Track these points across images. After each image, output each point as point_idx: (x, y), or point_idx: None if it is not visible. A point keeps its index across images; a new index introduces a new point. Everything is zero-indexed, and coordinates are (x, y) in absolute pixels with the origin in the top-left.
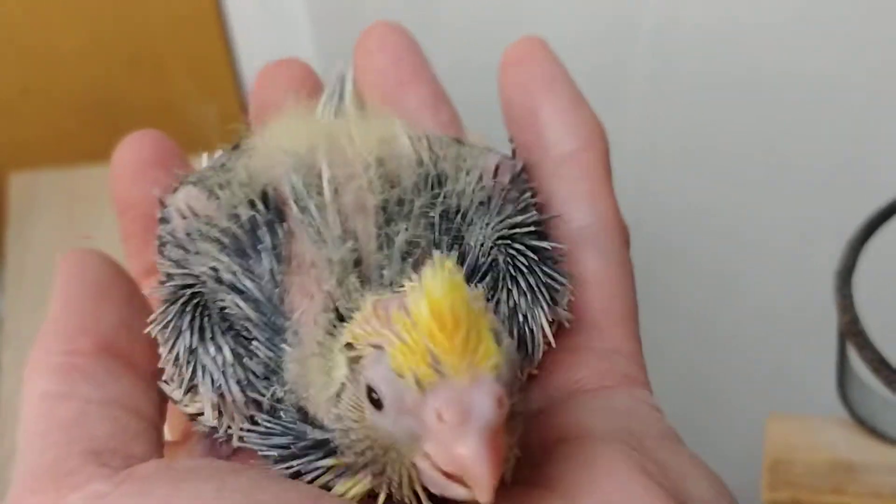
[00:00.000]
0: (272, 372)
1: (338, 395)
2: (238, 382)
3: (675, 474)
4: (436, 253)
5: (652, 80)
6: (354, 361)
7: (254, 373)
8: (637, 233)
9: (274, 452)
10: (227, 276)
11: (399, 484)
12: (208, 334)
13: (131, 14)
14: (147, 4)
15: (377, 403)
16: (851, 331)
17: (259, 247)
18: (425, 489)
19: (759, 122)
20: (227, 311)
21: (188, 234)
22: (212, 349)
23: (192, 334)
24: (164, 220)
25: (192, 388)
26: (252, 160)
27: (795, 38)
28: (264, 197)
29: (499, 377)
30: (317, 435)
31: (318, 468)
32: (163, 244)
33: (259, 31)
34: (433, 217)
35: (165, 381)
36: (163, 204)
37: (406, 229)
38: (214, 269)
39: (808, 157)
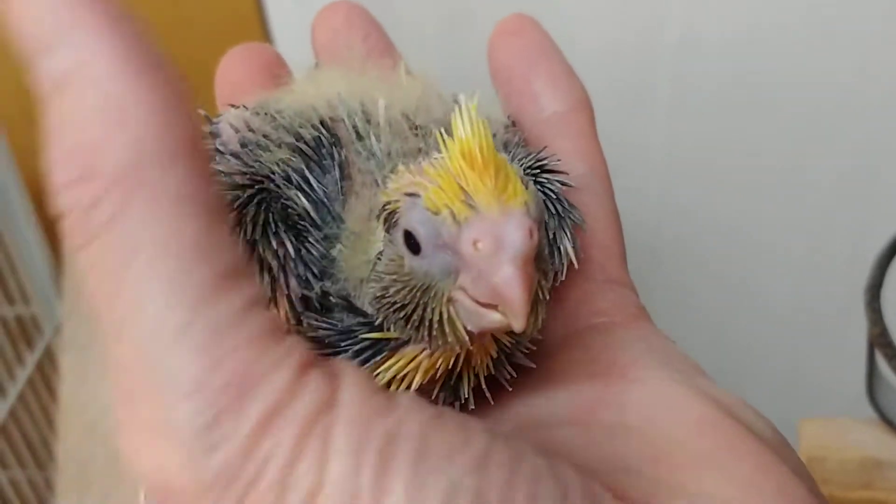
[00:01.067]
0: (323, 271)
1: (377, 259)
2: (297, 277)
3: (721, 394)
4: (461, 96)
5: (675, 92)
6: (390, 219)
7: (310, 269)
8: (660, 240)
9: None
10: (294, 176)
11: (438, 324)
12: (271, 228)
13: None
14: (193, 17)
15: (414, 247)
16: (881, 342)
17: (324, 162)
18: (463, 326)
19: (779, 133)
20: (289, 209)
21: (244, 145)
22: (273, 242)
23: (254, 228)
24: (213, 134)
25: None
26: (296, 99)
27: (816, 50)
28: (323, 124)
29: (528, 212)
30: (360, 318)
31: (362, 344)
32: (213, 154)
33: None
34: None
35: None
36: (209, 120)
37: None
38: (285, 166)
39: (830, 167)
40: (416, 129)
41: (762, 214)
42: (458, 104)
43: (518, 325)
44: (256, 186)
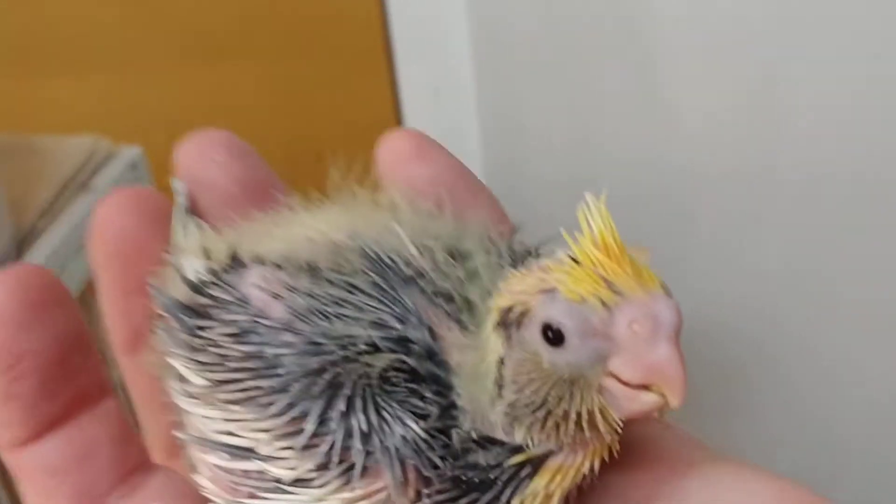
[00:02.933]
0: (450, 418)
1: (500, 366)
2: (433, 453)
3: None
4: (588, 196)
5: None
6: (516, 321)
7: (440, 435)
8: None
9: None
10: (383, 336)
11: (588, 416)
12: (386, 411)
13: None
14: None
15: (556, 339)
16: None
17: (401, 295)
18: (610, 419)
19: None
20: (389, 375)
21: (294, 312)
22: (397, 427)
23: (364, 412)
24: (233, 305)
25: (363, 472)
26: (305, 245)
27: None
28: (369, 258)
29: (669, 293)
30: (497, 448)
31: (508, 472)
32: (243, 332)
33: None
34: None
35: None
36: (222, 285)
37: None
38: (378, 325)
39: None
40: (450, 253)
41: (871, 300)
42: (585, 202)
43: (677, 401)
44: (344, 357)
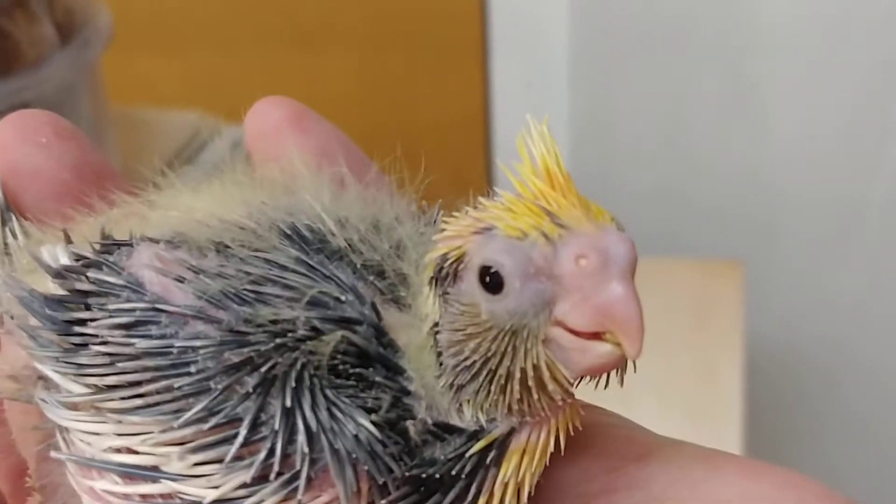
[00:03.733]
0: (403, 408)
1: (434, 333)
2: (390, 454)
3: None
4: (529, 118)
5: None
6: (451, 271)
7: (397, 429)
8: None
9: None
10: (322, 317)
11: (534, 374)
12: (338, 409)
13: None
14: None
15: (494, 284)
16: None
17: (331, 270)
18: (559, 376)
19: None
20: (335, 362)
21: (204, 296)
22: (349, 427)
23: (313, 409)
24: (122, 290)
25: (296, 489)
26: (204, 222)
27: None
28: (284, 234)
29: (620, 228)
30: (455, 438)
31: (470, 463)
32: (139, 323)
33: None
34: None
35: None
36: (96, 278)
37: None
38: (314, 305)
39: None
40: (372, 225)
41: None
42: (528, 124)
43: (634, 349)
44: (279, 345)
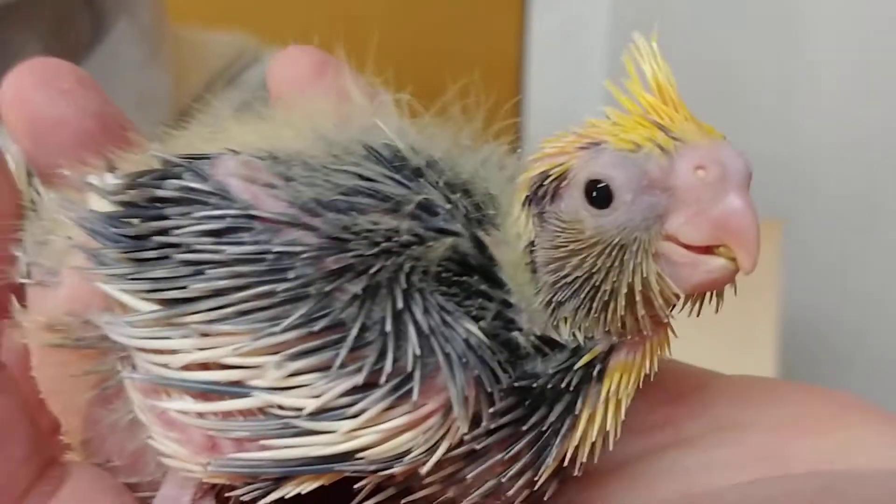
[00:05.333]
0: (506, 319)
1: (530, 252)
2: (498, 363)
3: None
4: (636, 35)
5: None
6: (546, 197)
7: (501, 339)
8: None
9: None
10: (426, 227)
11: (642, 289)
12: (448, 313)
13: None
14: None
15: (602, 199)
16: None
17: (421, 186)
18: (668, 292)
19: None
20: (440, 270)
21: (297, 205)
22: (459, 331)
23: (425, 315)
24: (209, 196)
25: (409, 392)
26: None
27: None
28: (368, 150)
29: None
30: (557, 354)
31: (577, 377)
32: (229, 230)
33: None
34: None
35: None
36: (180, 185)
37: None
38: (415, 216)
39: None
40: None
41: None
42: (634, 42)
43: (749, 262)
44: (385, 251)
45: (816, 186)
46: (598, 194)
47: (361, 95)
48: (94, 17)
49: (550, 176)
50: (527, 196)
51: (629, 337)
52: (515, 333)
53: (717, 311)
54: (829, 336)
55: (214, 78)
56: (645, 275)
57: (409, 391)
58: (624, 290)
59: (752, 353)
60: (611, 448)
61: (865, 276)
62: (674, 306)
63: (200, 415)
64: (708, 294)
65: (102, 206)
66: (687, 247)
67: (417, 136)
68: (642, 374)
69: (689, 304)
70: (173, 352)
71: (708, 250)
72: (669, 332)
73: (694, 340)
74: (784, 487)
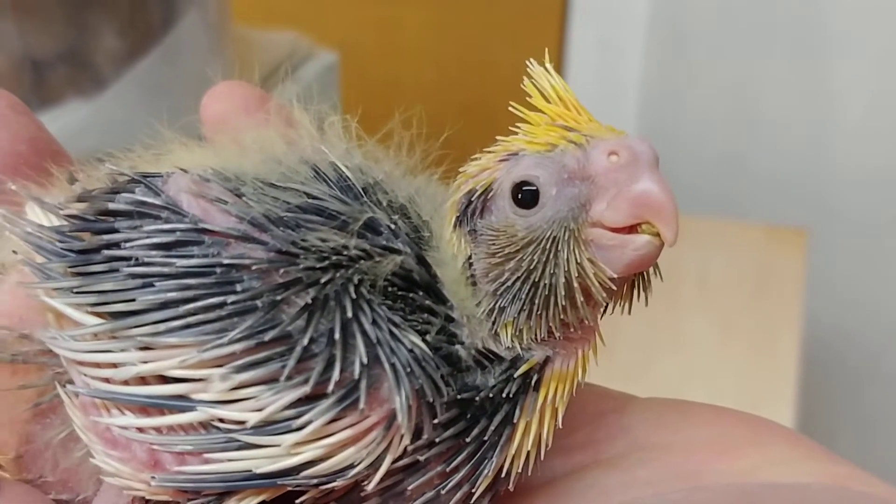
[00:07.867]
0: (449, 333)
1: (469, 267)
2: (441, 376)
3: None
4: (531, 62)
5: None
6: (476, 212)
7: (444, 353)
8: None
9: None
10: (372, 245)
11: (578, 276)
12: (395, 325)
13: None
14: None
15: (529, 198)
16: None
17: (366, 206)
18: (602, 276)
19: None
20: (385, 285)
21: (247, 219)
22: (405, 343)
23: (373, 325)
24: (160, 210)
25: (355, 401)
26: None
27: None
28: (315, 171)
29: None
30: (497, 366)
31: (516, 385)
32: (179, 243)
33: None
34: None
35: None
36: (132, 199)
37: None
38: (362, 229)
39: None
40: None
41: None
42: (530, 64)
43: (671, 233)
44: (333, 264)
45: (840, 206)
46: (524, 196)
47: (308, 121)
48: (166, 7)
49: (476, 192)
50: (456, 217)
51: (571, 333)
52: (457, 347)
53: (646, 304)
54: (851, 347)
55: (271, 72)
56: (579, 261)
57: (356, 400)
58: (562, 280)
59: (775, 363)
60: (542, 458)
61: (887, 291)
62: (612, 289)
63: (142, 429)
64: (636, 293)
65: (48, 220)
66: (613, 230)
67: (362, 160)
68: (576, 383)
69: (619, 301)
70: (118, 365)
71: (633, 230)
72: (598, 341)
73: (717, 351)
74: (702, 497)
